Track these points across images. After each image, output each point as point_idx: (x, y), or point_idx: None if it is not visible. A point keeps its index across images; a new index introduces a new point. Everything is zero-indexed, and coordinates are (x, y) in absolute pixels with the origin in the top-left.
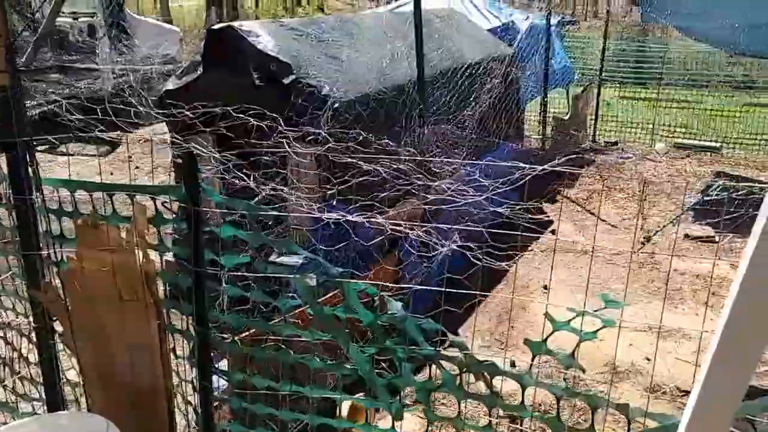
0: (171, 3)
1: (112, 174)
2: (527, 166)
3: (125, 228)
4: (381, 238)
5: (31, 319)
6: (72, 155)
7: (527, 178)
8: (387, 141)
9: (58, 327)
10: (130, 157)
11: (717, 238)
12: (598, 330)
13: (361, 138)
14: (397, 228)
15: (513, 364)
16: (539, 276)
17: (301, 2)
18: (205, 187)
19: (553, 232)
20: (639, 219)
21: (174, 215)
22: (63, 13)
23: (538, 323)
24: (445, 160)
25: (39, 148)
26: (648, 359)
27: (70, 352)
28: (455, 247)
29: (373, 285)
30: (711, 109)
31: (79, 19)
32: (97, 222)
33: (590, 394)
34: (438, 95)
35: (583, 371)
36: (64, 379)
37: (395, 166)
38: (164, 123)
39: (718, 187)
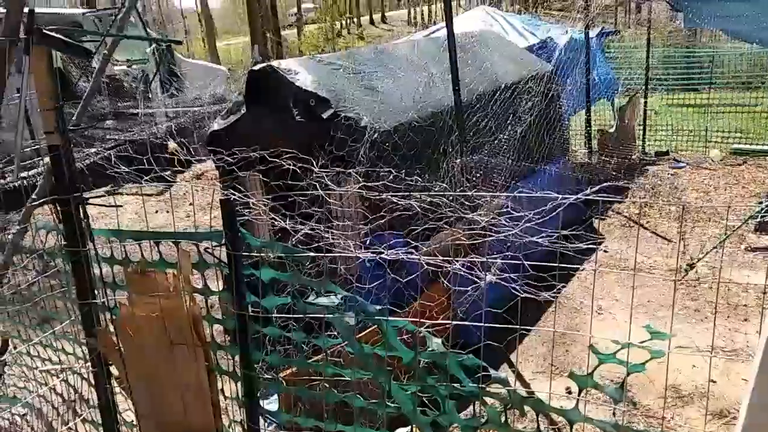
0: (218, 42)
1: (167, 212)
2: (560, 196)
3: (172, 273)
4: (421, 269)
5: (89, 364)
6: (112, 198)
7: (565, 205)
8: (417, 175)
9: (114, 371)
10: (185, 193)
11: None
12: (646, 362)
13: (391, 175)
14: (442, 259)
15: (569, 391)
16: (593, 296)
17: (341, 33)
18: (244, 232)
19: (605, 250)
20: (680, 245)
21: (217, 260)
22: (117, 61)
23: (595, 345)
24: (479, 193)
25: (98, 191)
26: (714, 381)
27: (125, 395)
28: (502, 276)
29: (413, 322)
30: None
31: (133, 67)
32: (145, 269)
33: (641, 430)
34: (477, 119)
35: (635, 405)
36: (122, 422)
37: (430, 200)
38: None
39: (763, 208)
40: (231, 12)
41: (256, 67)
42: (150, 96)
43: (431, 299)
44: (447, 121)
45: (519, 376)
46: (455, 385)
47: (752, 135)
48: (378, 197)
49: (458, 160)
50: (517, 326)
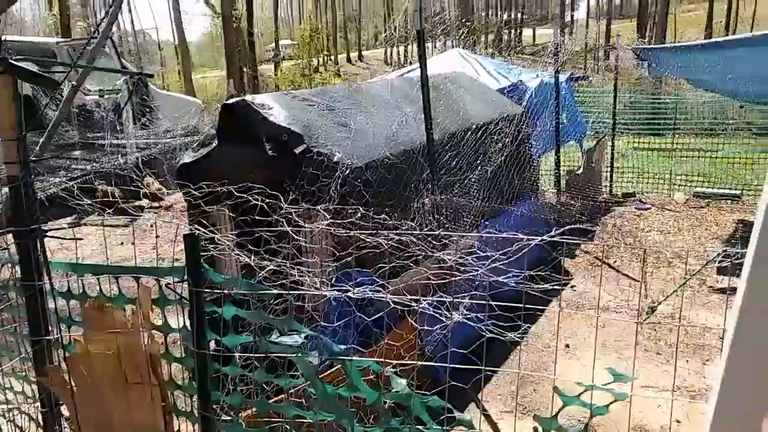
0: (194, 75)
1: (132, 244)
2: (525, 237)
3: (131, 309)
4: (388, 308)
5: (38, 404)
6: (72, 231)
7: (531, 246)
8: (388, 213)
9: (65, 411)
10: (152, 225)
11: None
12: (609, 404)
13: (359, 213)
14: (410, 298)
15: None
16: (561, 334)
17: (318, 69)
18: (207, 268)
19: (573, 287)
20: (642, 287)
21: (178, 296)
22: (89, 91)
23: (563, 386)
24: (447, 233)
25: (60, 222)
26: (678, 421)
27: None
28: (471, 316)
29: (378, 362)
30: (729, 157)
31: (105, 97)
32: (103, 305)
33: None
34: (449, 158)
35: None
36: None
37: (399, 239)
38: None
39: (718, 255)
40: (208, 45)
41: (230, 101)
42: (121, 127)
43: (399, 338)
44: (419, 159)
45: (487, 417)
46: (419, 427)
47: (714, 179)
48: (346, 235)
49: (427, 199)
50: (483, 367)
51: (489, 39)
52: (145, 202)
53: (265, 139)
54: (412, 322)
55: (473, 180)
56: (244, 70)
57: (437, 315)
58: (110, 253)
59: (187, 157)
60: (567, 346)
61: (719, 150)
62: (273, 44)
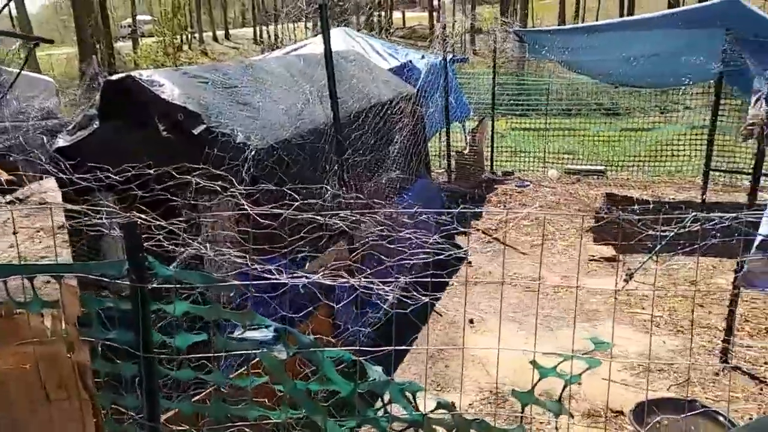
0: (38, 51)
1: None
2: (446, 211)
3: (50, 314)
4: (309, 290)
5: None
6: None
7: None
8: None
9: None
10: (5, 221)
11: (619, 258)
12: (582, 373)
13: (275, 190)
14: (328, 276)
15: (453, 406)
16: (461, 309)
17: (182, 48)
18: (152, 261)
19: (469, 263)
20: (619, 258)
21: (116, 296)
22: None
23: (472, 360)
24: (369, 212)
25: None
26: (579, 383)
27: None
28: (387, 291)
29: (348, 350)
30: (591, 135)
31: None
32: (12, 311)
33: None
34: (354, 137)
35: (572, 416)
36: None
37: (313, 215)
38: (52, 182)
39: (689, 220)
40: (52, 19)
41: (114, 78)
42: None
43: (320, 322)
44: (326, 138)
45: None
46: (397, 414)
47: (581, 156)
48: (264, 213)
49: (344, 172)
50: (428, 347)
51: (360, 20)
52: None
53: (158, 119)
54: (328, 306)
55: (377, 159)
56: (98, 46)
57: (365, 292)
58: None
59: (62, 141)
60: (471, 321)
61: (586, 129)
62: (129, 19)
